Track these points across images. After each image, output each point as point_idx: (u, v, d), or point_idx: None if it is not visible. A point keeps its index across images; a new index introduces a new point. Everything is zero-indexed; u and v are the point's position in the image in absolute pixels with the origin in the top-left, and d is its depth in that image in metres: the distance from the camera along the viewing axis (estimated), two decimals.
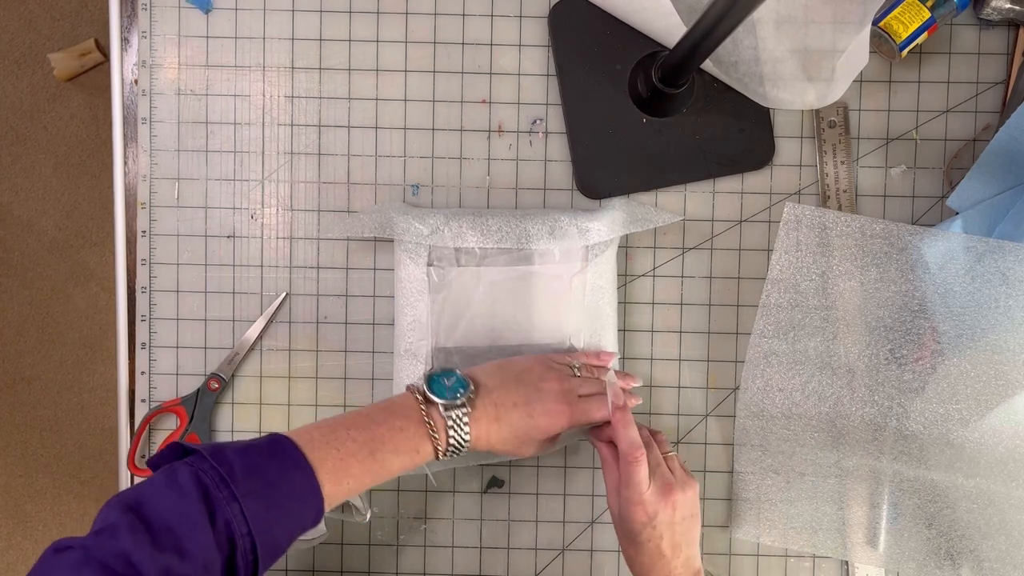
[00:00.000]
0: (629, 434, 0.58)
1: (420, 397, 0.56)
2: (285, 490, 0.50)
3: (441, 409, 0.56)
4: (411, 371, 0.66)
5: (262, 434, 0.71)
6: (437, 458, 0.56)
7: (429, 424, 0.55)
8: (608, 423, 0.60)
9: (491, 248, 0.66)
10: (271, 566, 0.50)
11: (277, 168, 0.71)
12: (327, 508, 0.52)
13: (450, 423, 0.55)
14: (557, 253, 0.66)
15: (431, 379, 0.57)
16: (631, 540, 0.59)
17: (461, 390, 0.57)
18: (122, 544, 0.44)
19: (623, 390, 0.62)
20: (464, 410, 0.56)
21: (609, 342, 0.67)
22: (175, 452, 0.51)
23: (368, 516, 0.69)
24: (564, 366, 0.62)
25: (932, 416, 0.66)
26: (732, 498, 0.71)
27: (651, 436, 0.62)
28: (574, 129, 0.70)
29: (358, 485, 0.54)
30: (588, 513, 0.72)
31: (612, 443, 0.60)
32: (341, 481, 0.52)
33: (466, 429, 0.56)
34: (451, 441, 0.56)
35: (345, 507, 0.69)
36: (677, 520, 0.59)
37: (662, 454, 0.61)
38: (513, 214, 0.67)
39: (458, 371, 0.58)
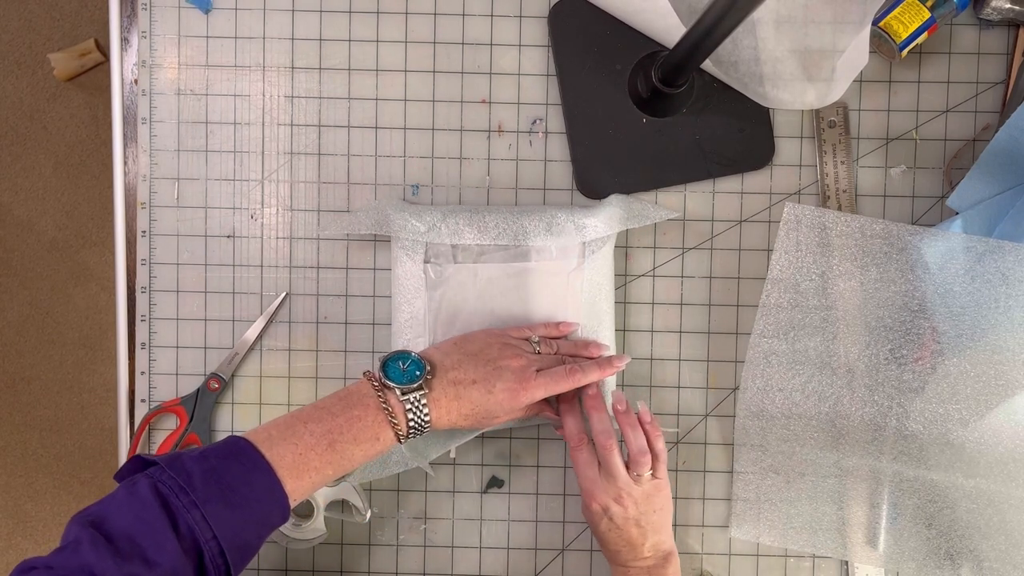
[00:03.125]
0: (601, 418, 0.61)
1: (377, 383, 0.56)
2: (245, 491, 0.50)
3: (398, 394, 0.56)
4: None
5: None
6: (399, 442, 0.56)
7: (387, 410, 0.55)
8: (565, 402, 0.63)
9: (488, 245, 0.66)
10: (246, 566, 0.51)
11: (277, 168, 0.71)
12: (293, 503, 0.52)
13: (408, 406, 0.56)
14: (554, 250, 0.66)
15: (386, 363, 0.57)
16: (594, 524, 0.62)
17: (417, 372, 0.57)
18: (85, 558, 0.44)
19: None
20: (421, 392, 0.56)
21: (606, 339, 0.67)
22: (136, 466, 0.51)
23: (368, 516, 0.69)
24: (522, 340, 0.63)
25: (932, 416, 0.66)
26: (732, 498, 0.71)
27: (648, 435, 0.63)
28: (574, 129, 0.70)
29: (321, 478, 0.54)
30: None
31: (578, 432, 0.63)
32: (302, 476, 0.53)
33: (425, 411, 0.56)
34: (411, 424, 0.56)
35: (345, 507, 0.70)
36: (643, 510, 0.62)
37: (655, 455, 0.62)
38: (510, 211, 0.67)
39: (414, 353, 0.58)
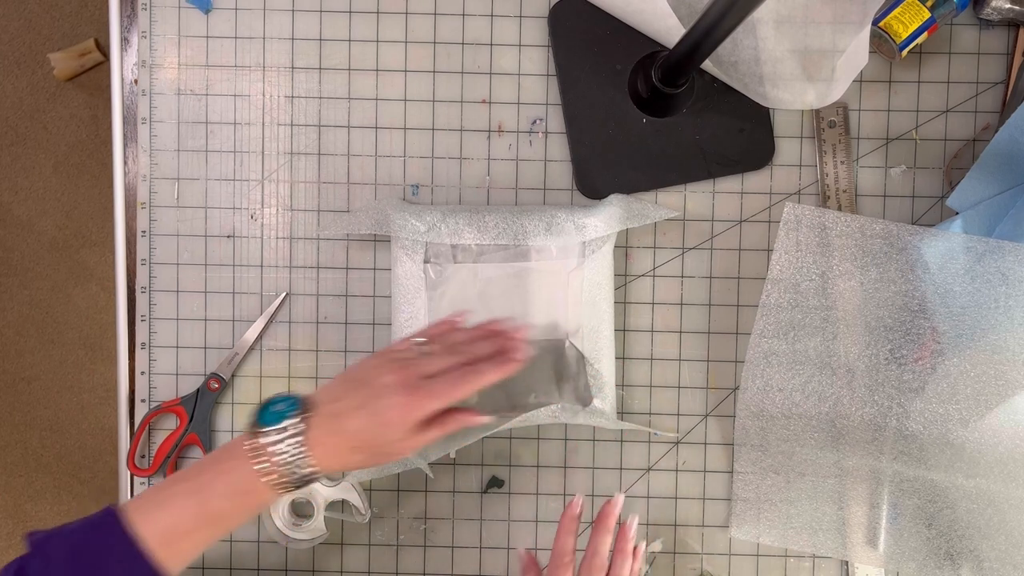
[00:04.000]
0: (564, 541, 0.57)
1: (248, 431, 0.51)
2: (109, 566, 0.48)
3: (270, 438, 0.50)
4: None
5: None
6: (280, 494, 0.51)
7: (258, 459, 0.49)
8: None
9: (488, 244, 0.66)
10: None
11: (277, 168, 0.71)
12: (174, 571, 0.49)
13: (280, 451, 0.49)
14: (554, 249, 0.66)
15: (262, 408, 0.52)
16: None
17: (290, 412, 0.51)
18: None
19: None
20: (295, 432, 0.50)
21: (606, 338, 0.67)
22: (29, 542, 0.50)
23: (368, 516, 0.69)
24: (406, 350, 0.56)
25: (932, 416, 0.66)
26: (732, 498, 0.71)
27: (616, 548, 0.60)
28: (574, 129, 0.70)
29: (198, 541, 0.50)
30: (588, 513, 0.72)
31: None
32: (174, 542, 0.49)
33: (302, 453, 0.50)
34: (287, 472, 0.50)
35: (345, 507, 0.70)
36: None
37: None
38: (510, 210, 0.67)
39: (294, 394, 0.53)
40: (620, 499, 0.61)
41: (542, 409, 0.65)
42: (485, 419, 0.57)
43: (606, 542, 0.59)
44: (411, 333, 0.61)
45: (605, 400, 0.67)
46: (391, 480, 0.71)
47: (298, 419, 0.50)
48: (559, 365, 0.67)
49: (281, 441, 0.50)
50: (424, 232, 0.65)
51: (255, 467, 0.49)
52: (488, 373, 0.54)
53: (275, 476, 0.50)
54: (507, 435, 0.71)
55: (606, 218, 0.66)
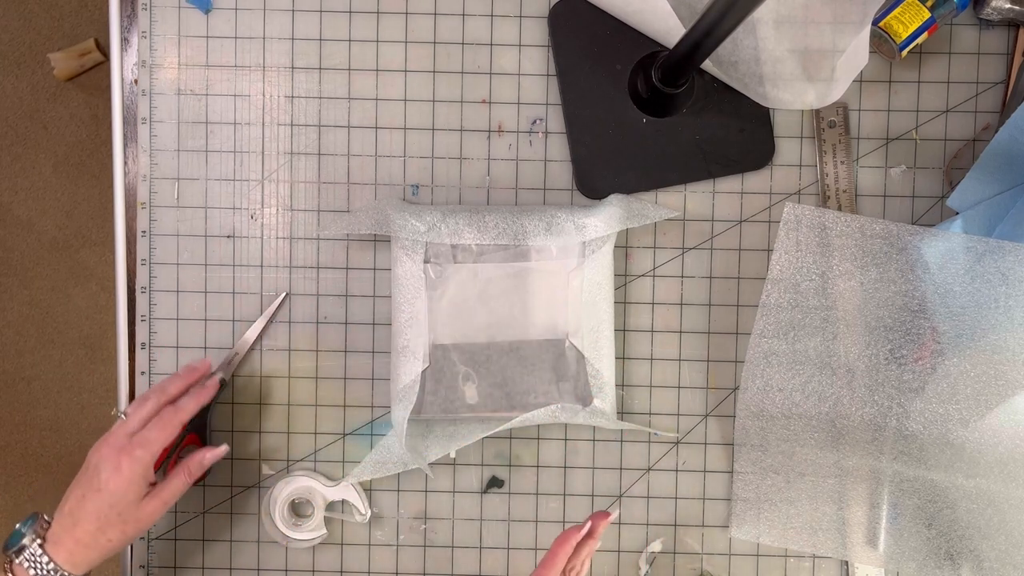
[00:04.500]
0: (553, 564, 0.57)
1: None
2: None
3: (14, 557, 0.54)
4: (409, 368, 0.66)
5: (262, 434, 0.71)
6: None
7: None
8: None
9: (488, 244, 0.66)
10: None
11: (277, 168, 0.71)
12: None
13: (28, 564, 0.54)
14: (554, 249, 0.66)
15: (10, 535, 0.56)
16: None
17: (25, 529, 0.55)
18: None
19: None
20: (35, 545, 0.55)
21: (606, 338, 0.67)
22: None
23: (368, 516, 0.69)
24: (116, 426, 0.60)
25: (932, 416, 0.66)
26: (732, 498, 0.71)
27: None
28: (574, 129, 0.70)
29: None
30: (588, 513, 0.72)
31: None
32: None
33: (46, 560, 0.54)
34: None
35: (345, 507, 0.70)
36: None
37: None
38: (510, 210, 0.67)
39: (35, 514, 0.57)
40: (613, 515, 0.61)
41: (542, 409, 0.65)
42: (223, 449, 0.63)
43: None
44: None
45: (605, 400, 0.67)
46: (391, 480, 0.71)
47: (33, 533, 0.55)
48: (559, 365, 0.67)
49: (26, 558, 0.54)
50: (424, 232, 0.65)
51: None
52: (187, 405, 0.61)
53: None
54: (507, 435, 0.71)
55: (606, 218, 0.66)
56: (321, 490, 0.69)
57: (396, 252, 0.67)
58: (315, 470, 0.71)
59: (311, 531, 0.69)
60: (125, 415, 0.60)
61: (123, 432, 0.58)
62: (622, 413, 0.71)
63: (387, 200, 0.69)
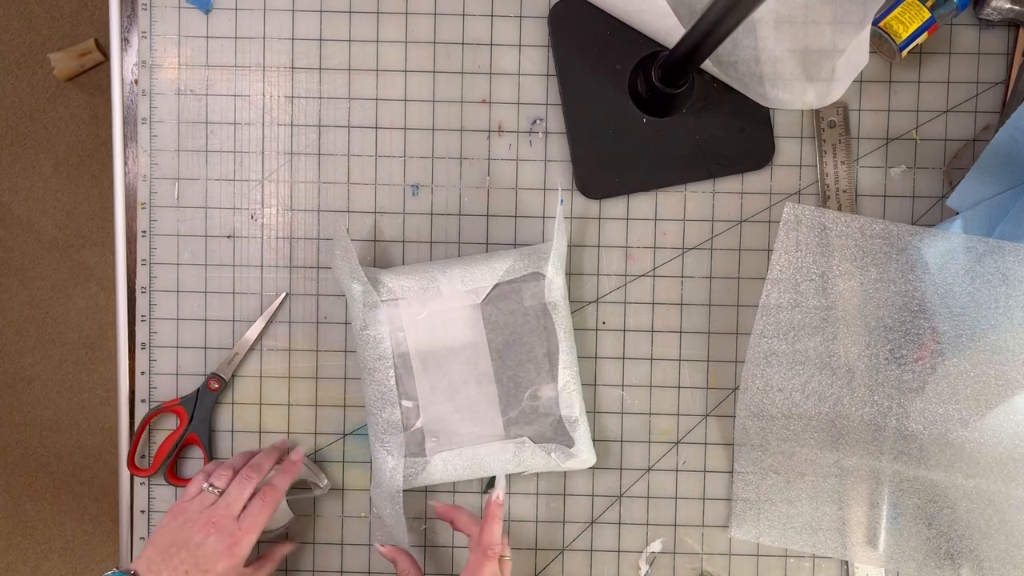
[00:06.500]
0: (496, 531, 0.61)
1: None
2: None
3: None
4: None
5: (261, 434, 0.71)
6: None
7: None
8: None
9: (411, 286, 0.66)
10: None
11: (277, 168, 0.71)
12: None
13: None
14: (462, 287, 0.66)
15: None
16: None
17: None
18: None
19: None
20: None
21: (566, 362, 0.67)
22: None
23: (327, 486, 0.69)
24: (202, 499, 0.61)
25: (932, 416, 0.66)
26: (732, 498, 0.71)
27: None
28: (574, 129, 0.70)
29: None
30: (588, 513, 0.72)
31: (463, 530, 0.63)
32: None
33: None
34: None
35: (304, 485, 0.69)
36: None
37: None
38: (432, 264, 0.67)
39: (121, 569, 0.57)
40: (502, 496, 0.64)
41: (532, 469, 0.67)
42: (291, 547, 0.69)
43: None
44: (196, 486, 0.63)
45: (581, 440, 0.67)
46: None
47: None
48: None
49: None
50: (362, 293, 0.65)
51: None
52: (282, 484, 0.63)
53: None
54: None
55: (492, 271, 0.66)
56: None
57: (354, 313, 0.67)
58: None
59: (276, 520, 0.68)
60: (213, 487, 0.61)
61: (226, 516, 0.59)
62: (622, 413, 0.71)
63: (341, 255, 0.66)
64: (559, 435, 0.67)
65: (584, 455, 0.67)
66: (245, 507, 0.60)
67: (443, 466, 0.67)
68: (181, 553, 0.57)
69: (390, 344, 0.65)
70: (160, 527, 0.60)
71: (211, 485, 0.61)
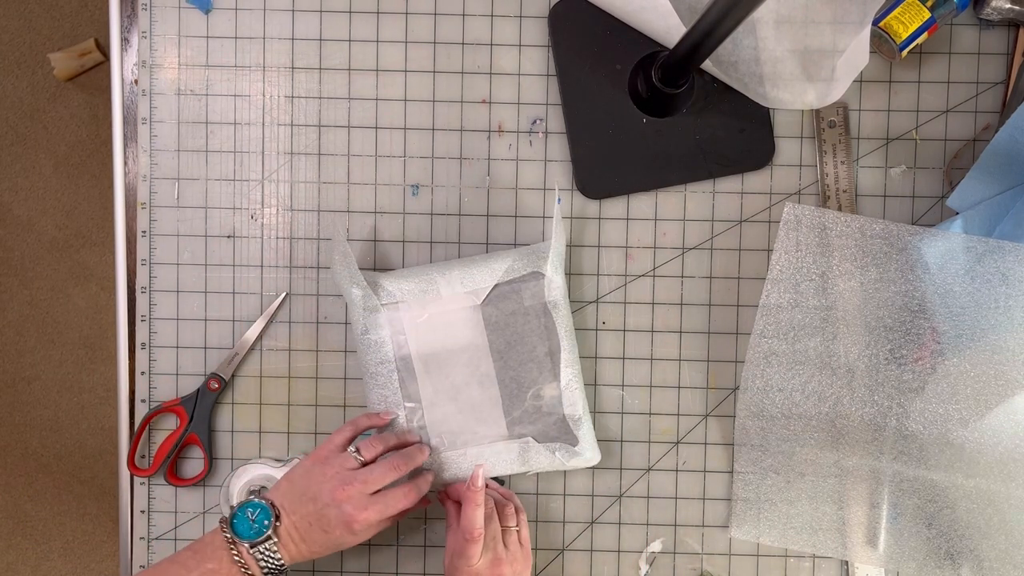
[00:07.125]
0: (473, 515, 0.60)
1: (228, 536, 0.59)
2: None
3: (247, 547, 0.59)
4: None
5: (261, 434, 0.71)
6: None
7: (240, 563, 0.58)
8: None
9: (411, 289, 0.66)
10: None
11: (277, 168, 0.71)
12: None
13: (259, 556, 0.59)
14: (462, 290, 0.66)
15: (235, 517, 0.60)
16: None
17: (266, 522, 0.59)
18: None
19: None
20: (271, 542, 0.59)
21: (569, 363, 0.67)
22: None
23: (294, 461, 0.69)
24: (344, 459, 0.62)
25: (932, 416, 0.66)
26: (732, 498, 0.71)
27: (496, 508, 0.64)
28: (574, 129, 0.70)
29: None
30: (588, 513, 0.72)
31: (459, 504, 0.63)
32: None
33: (277, 557, 0.59)
34: (265, 572, 0.59)
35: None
36: None
37: (504, 527, 0.63)
38: (432, 267, 0.68)
39: (262, 500, 0.60)
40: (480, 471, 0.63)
41: (535, 467, 0.67)
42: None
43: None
44: (344, 437, 0.64)
45: (585, 438, 0.68)
46: None
47: (270, 531, 0.59)
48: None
49: (258, 550, 0.59)
50: (361, 297, 0.65)
51: (238, 567, 0.58)
52: (423, 487, 0.63)
53: (255, 571, 0.59)
54: None
55: (491, 272, 0.66)
56: (274, 473, 0.69)
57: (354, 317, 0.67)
58: (260, 455, 0.71)
59: None
60: (359, 453, 0.62)
61: (363, 490, 0.60)
62: (622, 413, 0.71)
63: (340, 260, 0.66)
64: (563, 434, 0.67)
65: (588, 453, 0.67)
66: (379, 490, 0.61)
67: (448, 467, 0.67)
68: (309, 505, 0.60)
69: (392, 347, 0.65)
70: (300, 466, 0.62)
71: (357, 451, 0.62)
